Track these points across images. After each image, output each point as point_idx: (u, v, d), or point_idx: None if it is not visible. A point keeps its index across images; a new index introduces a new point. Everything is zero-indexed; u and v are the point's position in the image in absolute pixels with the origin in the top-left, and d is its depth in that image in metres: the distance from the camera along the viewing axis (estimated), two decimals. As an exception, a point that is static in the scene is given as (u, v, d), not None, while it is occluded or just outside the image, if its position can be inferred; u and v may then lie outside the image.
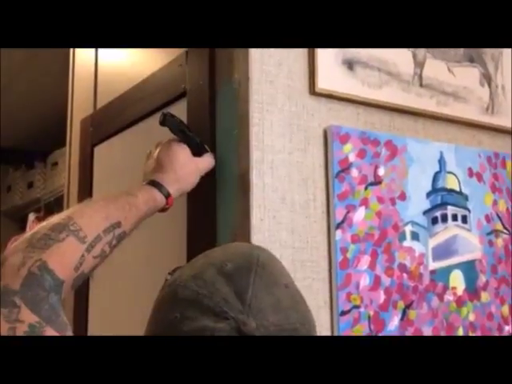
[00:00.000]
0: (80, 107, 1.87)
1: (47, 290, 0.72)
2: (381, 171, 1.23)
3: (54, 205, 3.06)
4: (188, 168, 1.07)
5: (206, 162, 1.12)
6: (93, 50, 1.82)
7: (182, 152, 1.08)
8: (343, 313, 1.14)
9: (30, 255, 0.74)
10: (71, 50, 1.99)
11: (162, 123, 1.10)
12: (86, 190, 1.70)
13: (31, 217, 3.11)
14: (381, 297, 1.19)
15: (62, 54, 2.04)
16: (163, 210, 1.04)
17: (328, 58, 1.22)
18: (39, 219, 3.08)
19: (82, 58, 1.91)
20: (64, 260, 0.78)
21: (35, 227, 0.83)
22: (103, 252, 0.86)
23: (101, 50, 1.81)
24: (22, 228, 3.24)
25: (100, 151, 1.67)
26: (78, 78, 1.94)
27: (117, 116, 1.56)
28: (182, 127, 1.12)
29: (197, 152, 1.11)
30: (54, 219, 0.83)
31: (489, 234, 1.36)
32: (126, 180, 1.55)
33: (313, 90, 1.20)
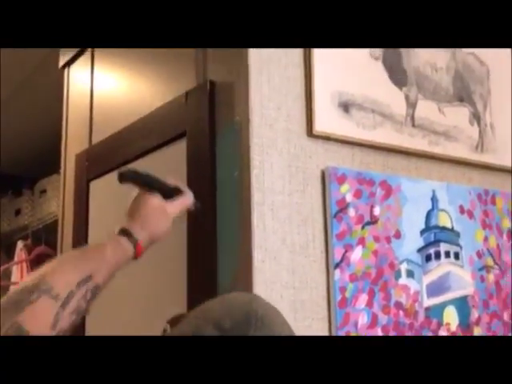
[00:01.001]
0: (74, 139, 1.89)
1: None
2: (376, 211, 1.27)
3: (42, 232, 3.05)
4: (155, 214, 1.05)
5: (178, 204, 1.09)
6: (88, 80, 1.83)
7: (149, 199, 1.05)
8: (342, 351, 1.16)
9: (6, 320, 0.77)
10: (65, 78, 1.99)
11: (120, 181, 1.05)
12: (82, 223, 1.71)
13: (20, 244, 3.10)
14: (378, 335, 1.21)
15: (54, 81, 2.04)
16: (135, 257, 1.01)
17: (324, 101, 1.25)
18: (27, 247, 3.07)
19: (77, 88, 1.93)
20: (38, 320, 0.80)
21: (11, 289, 0.85)
22: (79, 307, 0.86)
23: (96, 82, 1.82)
24: (10, 256, 3.22)
25: (96, 186, 1.68)
26: (72, 110, 1.95)
27: (114, 152, 1.58)
28: (145, 180, 1.06)
29: (168, 196, 1.07)
30: (26, 280, 0.85)
31: (480, 269, 1.40)
32: (123, 217, 1.57)
33: (310, 133, 1.23)
